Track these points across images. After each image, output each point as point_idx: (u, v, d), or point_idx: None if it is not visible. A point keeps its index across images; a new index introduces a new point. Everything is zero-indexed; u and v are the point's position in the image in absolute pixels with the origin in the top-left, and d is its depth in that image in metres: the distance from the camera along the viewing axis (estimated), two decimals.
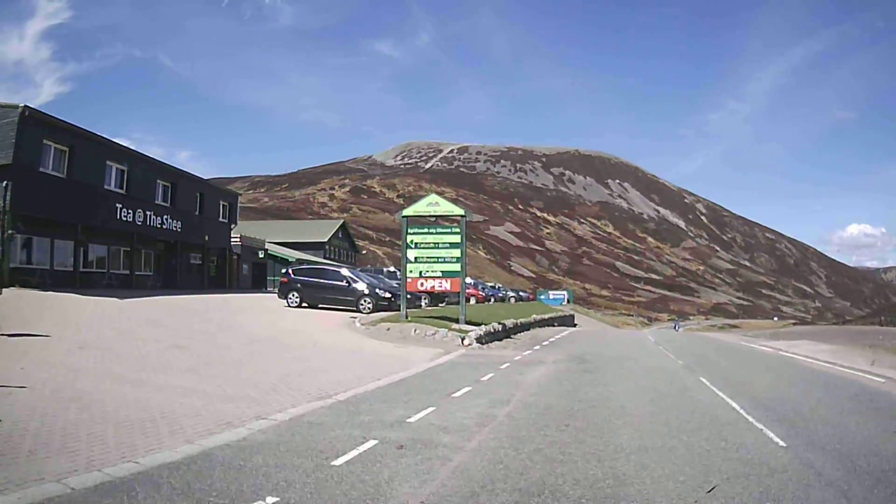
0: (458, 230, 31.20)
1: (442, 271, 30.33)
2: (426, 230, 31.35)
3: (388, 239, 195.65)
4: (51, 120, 36.66)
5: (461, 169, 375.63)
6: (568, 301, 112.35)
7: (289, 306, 36.57)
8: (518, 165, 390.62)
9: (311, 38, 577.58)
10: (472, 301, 47.13)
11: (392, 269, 56.17)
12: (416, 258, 30.58)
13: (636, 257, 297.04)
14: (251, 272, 64.96)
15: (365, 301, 35.75)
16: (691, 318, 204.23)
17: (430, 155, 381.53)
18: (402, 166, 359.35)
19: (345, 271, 38.23)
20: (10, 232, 33.98)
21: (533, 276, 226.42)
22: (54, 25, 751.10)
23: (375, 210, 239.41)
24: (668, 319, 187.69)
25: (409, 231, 30.80)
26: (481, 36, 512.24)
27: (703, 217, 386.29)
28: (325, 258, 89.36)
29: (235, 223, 58.97)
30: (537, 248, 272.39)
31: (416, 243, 30.68)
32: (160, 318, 25.72)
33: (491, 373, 18.23)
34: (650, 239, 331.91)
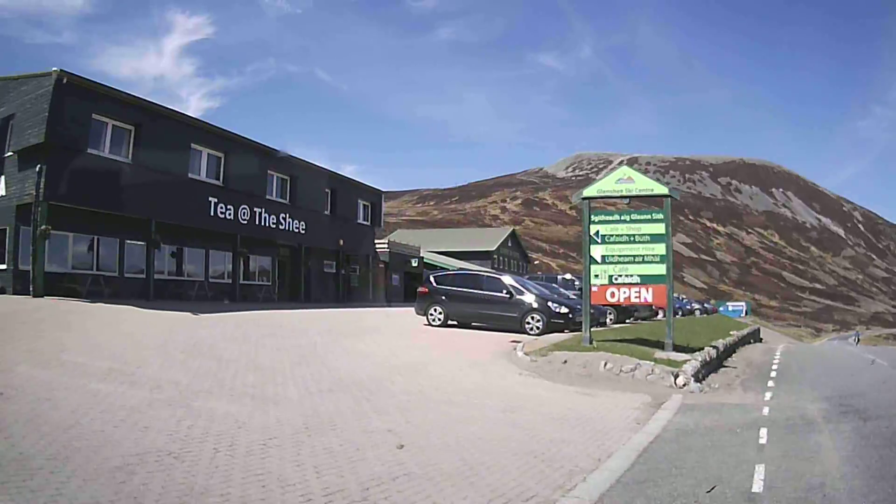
0: (661, 216, 18.30)
1: (640, 275, 17.89)
2: (617, 217, 18.60)
3: (561, 251, 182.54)
4: (103, 90, 26.01)
5: None
6: (746, 313, 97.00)
7: (430, 324, 24.43)
8: (686, 175, 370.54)
9: (473, 51, 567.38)
10: (661, 315, 33.45)
11: (569, 276, 42.58)
12: (603, 257, 18.13)
13: (801, 267, 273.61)
14: (403, 283, 53.17)
15: (532, 318, 23.14)
16: (854, 328, 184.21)
17: (601, 166, 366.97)
18: (573, 178, 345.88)
19: (506, 279, 25.34)
20: (42, 227, 22.84)
21: (705, 287, 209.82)
22: (196, 41, 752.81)
23: (548, 222, 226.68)
24: (833, 330, 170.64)
25: (594, 219, 18.32)
26: (641, 48, 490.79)
27: (860, 225, 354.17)
28: (492, 268, 77.08)
29: (380, 225, 47.49)
30: (708, 258, 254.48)
31: (603, 236, 18.28)
32: (219, 345, 15.36)
33: (753, 456, 8.02)
34: (813, 248, 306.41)
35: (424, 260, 56.39)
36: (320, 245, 40.07)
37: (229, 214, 32.10)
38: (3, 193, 25.65)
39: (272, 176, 36.07)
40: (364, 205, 45.35)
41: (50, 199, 23.95)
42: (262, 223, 34.42)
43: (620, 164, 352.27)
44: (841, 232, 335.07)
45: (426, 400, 10.74)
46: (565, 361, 15.32)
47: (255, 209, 33.86)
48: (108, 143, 26.31)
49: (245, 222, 33.18)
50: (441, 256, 65.89)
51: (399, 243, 53.78)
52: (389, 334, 20.95)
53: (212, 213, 31.14)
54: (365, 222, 45.45)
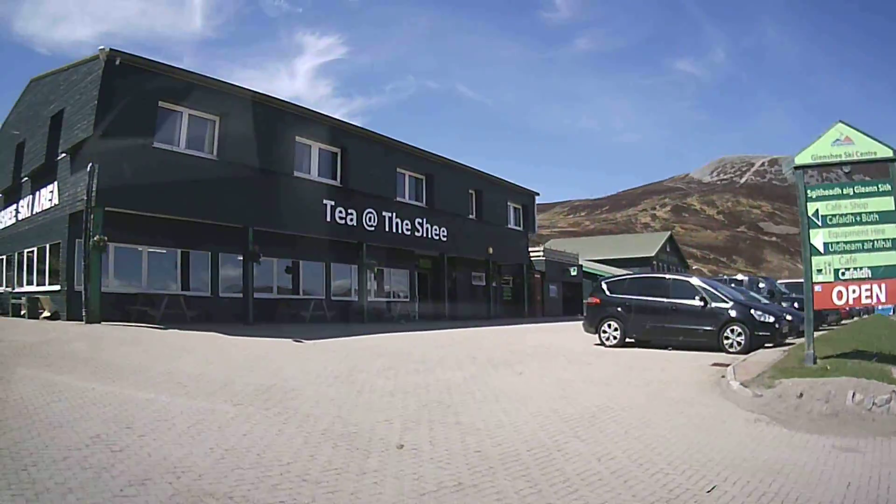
0: (888, 187, 10.96)
1: (870, 268, 10.71)
2: (839, 191, 11.40)
3: (712, 256, 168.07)
4: (173, 73, 18.89)
5: (773, 182, 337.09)
6: None
7: (602, 344, 16.50)
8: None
9: (611, 60, 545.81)
10: (832, 317, 24.26)
11: (740, 276, 33.12)
12: (826, 246, 11.15)
13: None
14: (560, 294, 44.20)
15: (732, 332, 15.32)
16: None
17: (744, 169, 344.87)
18: (718, 182, 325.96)
19: (696, 281, 16.73)
20: (95, 238, 15.53)
21: None
22: (330, 62, 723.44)
23: (697, 228, 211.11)
24: None
25: (811, 195, 11.28)
26: (769, 49, 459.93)
27: None
28: None
29: (533, 230, 38.61)
30: None
31: (824, 218, 11.27)
32: (305, 389, 9.05)
33: None
34: None
35: (583, 269, 47.32)
36: (466, 254, 31.72)
37: (351, 220, 24.40)
38: (56, 202, 19.04)
39: (403, 175, 28.11)
40: (515, 207, 36.58)
41: (105, 203, 16.99)
42: (394, 230, 26.53)
43: (762, 165, 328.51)
44: None
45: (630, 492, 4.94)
46: (801, 395, 8.99)
47: (384, 213, 26.02)
48: (185, 136, 19.23)
49: (371, 229, 25.33)
50: (598, 265, 56.41)
51: (555, 250, 44.88)
52: (553, 362, 13.15)
53: (328, 219, 23.53)
54: (516, 227, 36.60)
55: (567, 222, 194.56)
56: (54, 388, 7.91)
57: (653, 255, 71.00)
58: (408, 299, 29.57)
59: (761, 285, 26.82)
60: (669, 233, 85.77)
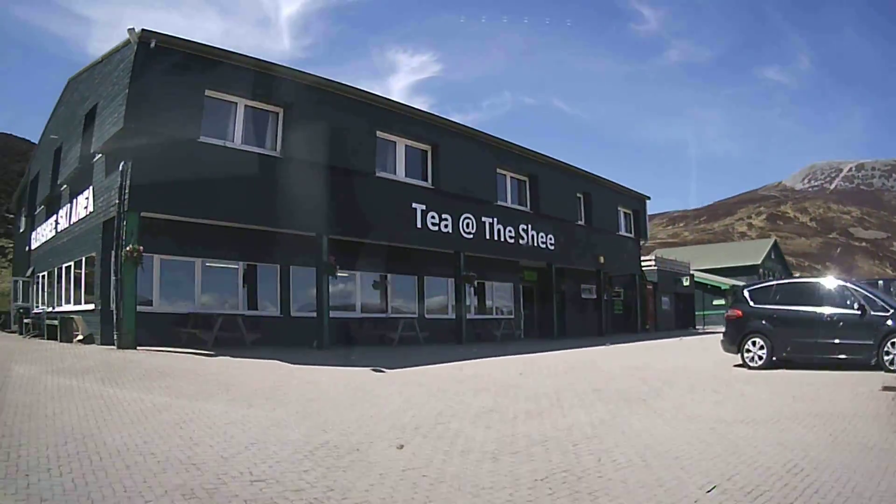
0: None
1: None
2: None
3: (807, 264, 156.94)
4: (224, 56, 14.57)
5: (861, 186, 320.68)
6: None
7: (746, 366, 12.57)
8: None
9: (702, 71, 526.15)
10: None
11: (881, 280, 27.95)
12: None
13: None
14: (673, 307, 38.22)
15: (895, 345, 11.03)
16: None
17: (833, 175, 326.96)
18: (809, 189, 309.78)
19: (853, 285, 12.31)
20: (128, 248, 11.35)
21: None
22: (425, 79, 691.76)
23: (793, 235, 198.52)
24: None
25: None
26: (850, 53, 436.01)
27: None
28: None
29: (645, 238, 32.86)
30: None
31: None
32: (373, 446, 5.48)
33: None
34: None
35: (695, 279, 41.18)
36: (575, 264, 26.40)
37: (445, 226, 19.65)
38: (91, 209, 15.04)
39: (503, 176, 23.03)
40: (625, 213, 30.89)
41: (140, 207, 12.85)
42: (495, 237, 21.51)
43: (850, 170, 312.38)
44: None
45: None
46: None
47: (484, 219, 21.09)
48: (240, 130, 14.99)
49: (469, 236, 20.45)
50: (707, 274, 49.95)
51: (667, 259, 39.00)
52: (697, 394, 9.26)
53: (418, 225, 18.86)
54: (627, 234, 31.10)
55: (666, 233, 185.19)
56: None
57: (759, 262, 63.53)
58: (511, 315, 24.51)
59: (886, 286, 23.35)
60: (774, 239, 77.37)
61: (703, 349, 14.92)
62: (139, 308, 13.18)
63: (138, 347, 12.61)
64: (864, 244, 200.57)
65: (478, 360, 13.47)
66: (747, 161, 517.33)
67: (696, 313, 40.42)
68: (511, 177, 23.47)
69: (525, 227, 22.93)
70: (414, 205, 18.79)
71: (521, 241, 22.67)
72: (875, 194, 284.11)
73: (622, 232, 30.26)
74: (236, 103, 14.89)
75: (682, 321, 38.32)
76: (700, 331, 34.34)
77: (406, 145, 19.29)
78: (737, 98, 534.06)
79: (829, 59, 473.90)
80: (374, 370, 11.21)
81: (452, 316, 21.06)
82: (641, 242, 32.35)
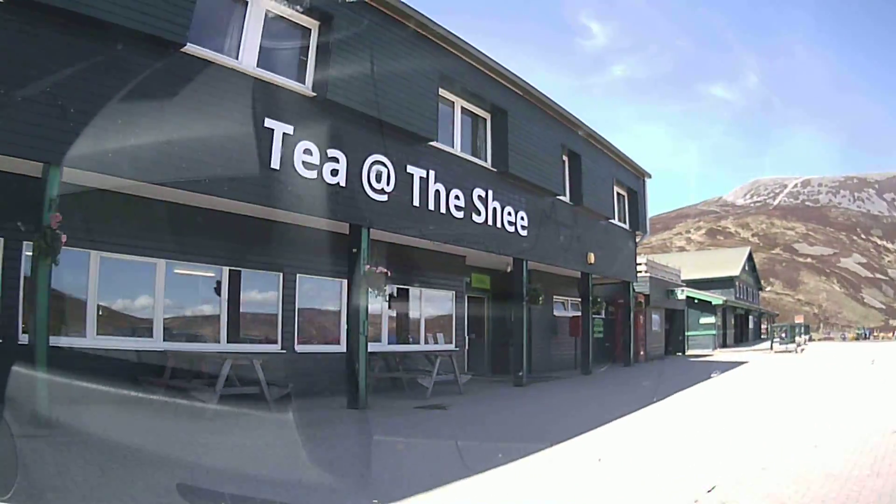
0: None
1: None
2: None
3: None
4: None
5: (806, 203, 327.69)
6: None
7: None
8: (855, 194, 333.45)
9: (646, 87, 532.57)
10: None
11: None
12: None
13: None
14: (663, 326, 29.46)
15: None
16: None
17: (777, 191, 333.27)
18: (751, 204, 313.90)
19: None
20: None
21: (882, 307, 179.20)
22: None
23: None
24: None
25: None
26: (800, 72, 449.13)
27: None
28: (735, 299, 51.88)
29: (644, 232, 23.73)
30: (882, 277, 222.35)
31: None
32: None
33: None
34: None
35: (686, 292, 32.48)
36: (556, 262, 17.31)
37: (333, 174, 10.24)
38: None
39: (450, 104, 13.59)
40: (619, 193, 21.91)
41: None
42: (431, 204, 12.19)
43: (795, 186, 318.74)
44: None
45: None
46: None
47: (412, 169, 11.81)
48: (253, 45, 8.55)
49: (382, 199, 11.02)
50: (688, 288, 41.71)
51: (660, 265, 30.11)
52: None
53: (277, 164, 9.35)
54: (621, 224, 22.13)
55: None
56: None
57: (737, 273, 55.94)
58: (452, 346, 15.10)
59: None
60: (749, 249, 70.25)
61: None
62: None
63: None
64: (809, 260, 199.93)
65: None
66: (690, 177, 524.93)
67: (690, 334, 32.10)
68: (463, 107, 14.00)
69: (482, 194, 13.50)
70: (270, 122, 9.19)
71: (474, 217, 13.20)
72: (822, 211, 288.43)
73: (616, 220, 21.06)
74: None
75: (673, 345, 29.65)
76: (697, 356, 25.71)
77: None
78: (680, 114, 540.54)
79: (778, 76, 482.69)
80: None
81: (342, 348, 11.48)
82: (638, 238, 23.24)
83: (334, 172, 10.38)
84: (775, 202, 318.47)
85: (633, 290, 23.19)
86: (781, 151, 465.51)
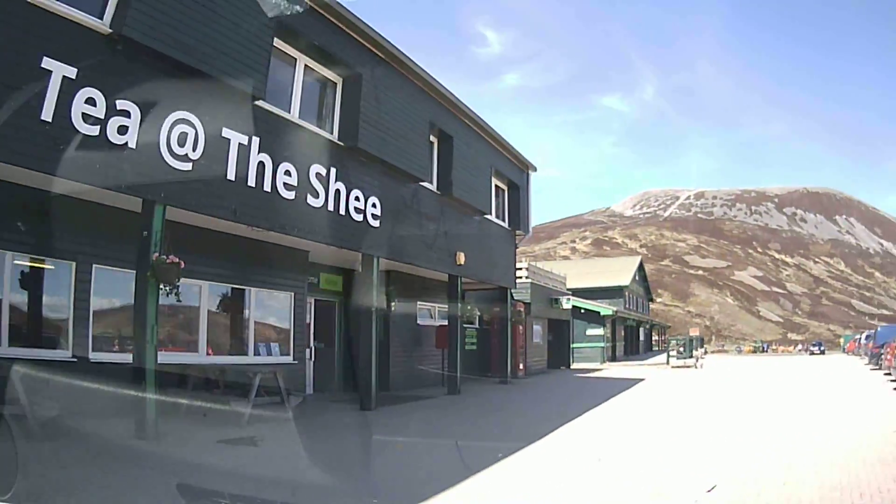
0: None
1: None
2: None
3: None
4: None
5: (699, 215, 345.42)
6: None
7: None
8: (753, 208, 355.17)
9: (540, 97, 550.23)
10: None
11: None
12: None
13: (867, 294, 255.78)
14: (546, 338, 28.50)
15: None
16: None
17: (668, 203, 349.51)
18: (641, 216, 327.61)
19: None
20: None
21: (780, 320, 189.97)
22: None
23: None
24: None
25: None
26: (701, 86, 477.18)
27: None
28: (625, 309, 52.30)
29: (526, 231, 22.54)
30: (780, 291, 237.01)
31: None
32: None
33: None
34: (877, 273, 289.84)
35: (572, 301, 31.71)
36: (416, 261, 15.65)
37: (121, 132, 8.07)
38: None
39: (290, 60, 11.74)
40: (498, 186, 20.73)
41: None
42: (256, 180, 10.24)
43: (687, 198, 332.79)
44: None
45: None
46: None
47: (229, 133, 9.78)
48: None
49: (184, 168, 9.04)
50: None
51: (543, 271, 29.06)
52: None
53: (49, 116, 7.38)
54: (499, 221, 20.90)
55: None
56: None
57: (627, 283, 56.50)
58: (289, 359, 13.24)
59: None
60: (640, 258, 71.48)
61: None
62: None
63: None
64: (700, 272, 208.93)
65: None
66: (577, 187, 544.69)
67: (576, 346, 31.52)
68: (308, 66, 12.17)
69: (322, 172, 11.68)
70: (49, 63, 7.28)
71: (309, 199, 11.37)
72: (715, 223, 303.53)
73: (493, 217, 19.70)
74: None
75: (557, 358, 28.80)
76: (584, 372, 24.77)
77: None
78: (572, 124, 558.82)
79: (677, 90, 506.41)
80: None
81: (127, 358, 9.41)
82: (519, 239, 22.00)
83: (122, 130, 8.35)
84: (666, 213, 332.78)
85: (512, 297, 21.94)
86: (676, 164, 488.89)
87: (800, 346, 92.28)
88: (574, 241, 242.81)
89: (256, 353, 13.03)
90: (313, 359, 15.49)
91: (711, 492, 5.30)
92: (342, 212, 12.09)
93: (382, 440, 9.46)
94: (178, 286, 9.09)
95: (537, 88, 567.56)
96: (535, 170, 21.94)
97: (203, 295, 12.05)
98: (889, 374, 21.98)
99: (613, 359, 41.69)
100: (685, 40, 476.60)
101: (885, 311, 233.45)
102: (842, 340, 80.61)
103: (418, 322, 18.55)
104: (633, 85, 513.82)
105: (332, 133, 12.48)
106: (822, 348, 71.88)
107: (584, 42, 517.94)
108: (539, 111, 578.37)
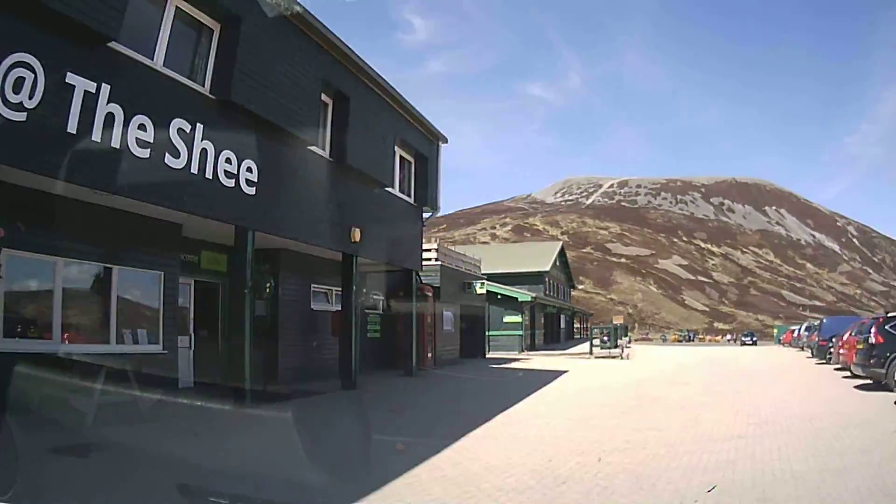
0: None
1: None
2: None
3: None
4: None
5: (623, 203, 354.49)
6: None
7: None
8: (679, 197, 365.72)
9: (463, 84, 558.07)
10: None
11: None
12: None
13: (798, 285, 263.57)
14: (459, 327, 27.84)
15: None
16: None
17: (591, 190, 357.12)
18: (563, 203, 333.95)
19: None
20: None
21: (706, 309, 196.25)
22: None
23: None
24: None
25: None
26: (629, 76, 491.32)
27: (854, 239, 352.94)
28: (545, 295, 52.28)
29: (434, 208, 21.62)
30: (705, 280, 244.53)
31: None
32: None
33: None
34: (809, 265, 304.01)
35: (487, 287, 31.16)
36: (300, 236, 14.59)
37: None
38: None
39: (158, 7, 10.69)
40: (403, 157, 19.93)
41: None
42: (110, 139, 9.01)
43: (611, 186, 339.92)
44: (836, 247, 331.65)
45: None
46: None
47: (75, 79, 8.52)
48: None
49: (17, 118, 7.83)
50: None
51: (455, 253, 28.33)
52: None
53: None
54: (404, 196, 20.06)
55: None
56: None
57: (547, 269, 56.50)
58: (158, 348, 12.09)
59: None
60: (561, 244, 71.78)
61: None
62: None
63: None
64: (623, 260, 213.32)
65: None
66: (498, 174, 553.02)
67: (491, 333, 31.11)
68: (179, 8, 10.96)
69: (186, 128, 10.53)
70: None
71: (168, 160, 10.21)
72: (639, 212, 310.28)
73: (397, 192, 18.79)
74: None
75: (470, 346, 28.18)
76: (500, 365, 24.21)
77: None
78: (495, 112, 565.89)
79: (604, 79, 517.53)
80: None
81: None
82: (425, 216, 21.16)
83: None
84: (588, 201, 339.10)
85: (420, 279, 21.11)
86: (600, 153, 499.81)
87: (728, 336, 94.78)
88: (494, 228, 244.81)
89: (120, 342, 11.81)
90: (193, 347, 14.36)
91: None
92: (209, 175, 10.94)
93: (254, 436, 8.28)
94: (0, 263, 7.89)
95: (462, 75, 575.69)
96: (445, 141, 21.17)
97: (57, 273, 10.78)
98: (843, 369, 19.96)
99: (533, 347, 41.53)
100: (614, 29, 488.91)
101: (818, 303, 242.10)
102: (775, 331, 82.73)
103: (312, 307, 17.54)
104: (559, 73, 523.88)
105: (203, 85, 11.33)
106: (754, 339, 73.94)
107: (510, 30, 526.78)
108: (463, 98, 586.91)
